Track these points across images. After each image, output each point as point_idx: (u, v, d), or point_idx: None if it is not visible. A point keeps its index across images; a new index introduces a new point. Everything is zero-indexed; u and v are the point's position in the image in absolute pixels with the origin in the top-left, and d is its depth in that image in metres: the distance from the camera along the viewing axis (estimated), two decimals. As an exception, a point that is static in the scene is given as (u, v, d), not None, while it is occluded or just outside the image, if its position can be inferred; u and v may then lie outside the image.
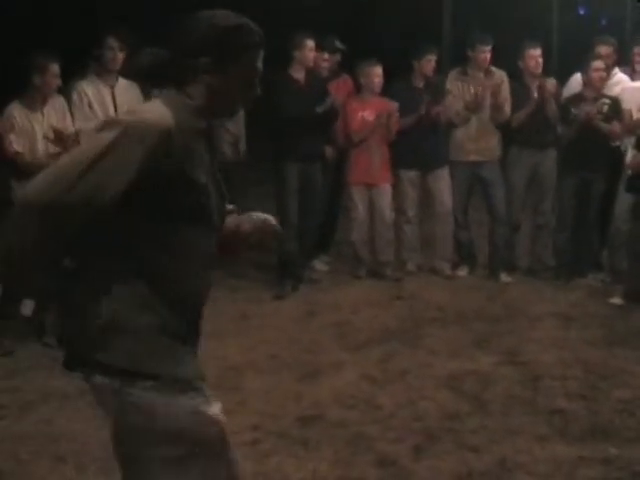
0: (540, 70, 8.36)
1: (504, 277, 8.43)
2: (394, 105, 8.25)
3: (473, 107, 8.30)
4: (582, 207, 8.20)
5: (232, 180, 6.96)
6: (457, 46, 8.65)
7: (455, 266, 8.63)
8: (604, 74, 8.06)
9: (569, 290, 7.93)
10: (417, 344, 6.63)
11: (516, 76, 8.50)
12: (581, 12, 9.73)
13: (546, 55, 8.66)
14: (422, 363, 6.19)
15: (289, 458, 4.76)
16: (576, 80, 8.47)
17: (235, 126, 8.36)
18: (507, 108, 8.37)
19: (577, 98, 8.18)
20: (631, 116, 7.93)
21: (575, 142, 8.03)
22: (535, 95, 8.24)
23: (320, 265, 8.73)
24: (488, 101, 8.34)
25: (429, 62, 8.35)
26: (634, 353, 6.37)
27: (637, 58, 8.26)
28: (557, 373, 5.98)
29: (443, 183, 8.47)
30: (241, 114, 8.24)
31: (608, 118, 7.96)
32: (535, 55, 8.34)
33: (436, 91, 8.36)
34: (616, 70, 8.34)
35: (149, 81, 2.97)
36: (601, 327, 6.97)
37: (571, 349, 6.45)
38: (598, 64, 8.07)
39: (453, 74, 8.56)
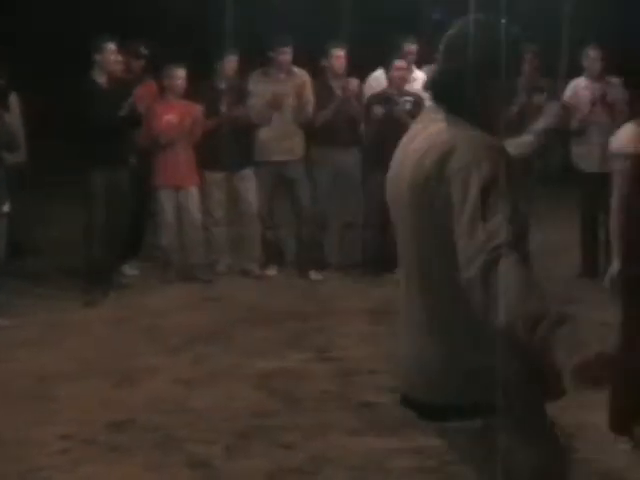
0: (343, 70, 8.47)
1: (314, 275, 8.49)
2: (198, 108, 8.21)
3: (274, 107, 8.33)
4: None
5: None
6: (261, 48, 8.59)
7: (264, 266, 8.62)
8: (405, 73, 8.24)
9: (378, 285, 8.05)
10: (228, 345, 6.60)
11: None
12: (436, 17, 9.89)
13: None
14: (233, 364, 6.17)
15: (100, 465, 4.69)
16: (375, 78, 8.63)
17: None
18: (309, 108, 8.44)
19: (380, 96, 8.32)
20: None
21: (377, 140, 8.16)
22: (339, 94, 8.34)
23: (130, 270, 8.57)
24: (290, 101, 8.38)
25: (230, 63, 8.33)
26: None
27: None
28: (367, 368, 6.06)
29: (249, 184, 8.47)
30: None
31: (413, 115, 8.12)
32: (339, 56, 8.43)
33: (239, 92, 8.35)
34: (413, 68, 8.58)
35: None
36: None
37: (381, 344, 6.54)
38: (400, 64, 8.24)
39: (255, 75, 8.55)
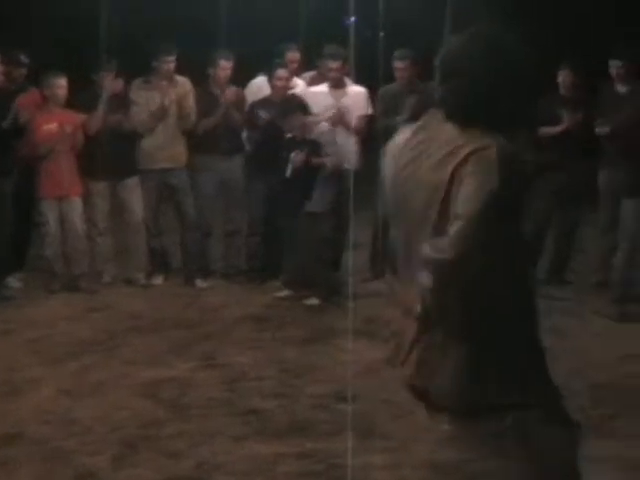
0: (227, 79, 8.54)
1: (199, 283, 8.53)
2: (79, 116, 8.17)
3: (159, 116, 8.35)
4: (271, 211, 8.41)
5: None
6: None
7: (150, 275, 8.62)
8: (287, 82, 8.35)
9: (262, 293, 8.13)
10: (114, 355, 6.59)
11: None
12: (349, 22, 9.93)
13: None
14: (119, 373, 6.17)
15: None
16: (256, 84, 8.73)
17: None
18: (192, 116, 8.48)
19: (264, 103, 8.42)
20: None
21: (261, 147, 8.27)
22: (222, 102, 8.42)
23: (14, 282, 8.43)
24: (173, 109, 8.41)
25: (107, 75, 8.29)
26: (325, 349, 6.64)
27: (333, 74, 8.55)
28: (253, 374, 6.14)
29: (133, 193, 8.46)
30: None
31: (293, 123, 8.22)
32: (225, 67, 8.49)
33: (120, 100, 8.36)
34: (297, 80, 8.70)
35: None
36: (295, 327, 7.21)
37: (266, 350, 6.63)
38: (282, 73, 8.34)
39: (136, 83, 8.53)
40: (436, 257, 2.66)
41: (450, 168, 2.73)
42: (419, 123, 3.01)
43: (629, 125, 7.73)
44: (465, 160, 2.71)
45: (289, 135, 8.04)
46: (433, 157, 2.81)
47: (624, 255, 7.80)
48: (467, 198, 2.66)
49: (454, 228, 2.63)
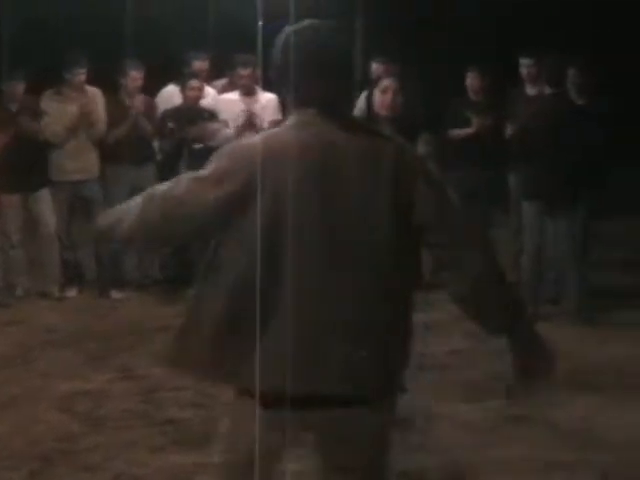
0: (138, 89, 8.51)
1: (114, 294, 8.48)
2: None
3: (72, 128, 8.29)
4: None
5: None
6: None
7: (64, 287, 8.54)
8: (199, 92, 8.36)
9: (177, 302, 8.10)
10: (29, 369, 6.52)
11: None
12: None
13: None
14: (35, 387, 6.11)
15: None
16: (167, 92, 8.72)
17: None
18: (102, 126, 8.44)
19: (174, 112, 8.41)
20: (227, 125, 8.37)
21: (172, 156, 8.27)
22: (132, 112, 8.39)
23: None
24: (84, 120, 8.35)
25: (16, 85, 8.20)
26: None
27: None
28: (170, 385, 6.11)
29: (45, 204, 8.37)
30: None
31: (202, 132, 8.22)
32: (135, 77, 8.46)
33: (32, 111, 8.26)
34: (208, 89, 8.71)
35: None
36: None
37: (183, 359, 6.61)
38: (194, 83, 8.35)
39: (47, 94, 8.45)
40: None
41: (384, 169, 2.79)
42: (292, 124, 2.88)
43: (531, 128, 7.83)
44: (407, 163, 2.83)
45: (198, 145, 8.03)
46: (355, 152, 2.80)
47: (528, 258, 7.96)
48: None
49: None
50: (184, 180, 2.88)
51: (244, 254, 2.77)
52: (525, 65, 8.50)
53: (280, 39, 2.88)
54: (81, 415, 5.61)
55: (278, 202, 2.72)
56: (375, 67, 8.63)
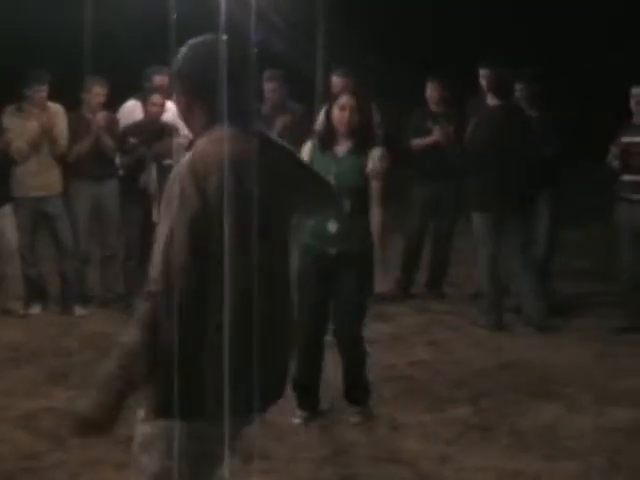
0: (100, 104, 8.48)
1: (78, 310, 8.44)
2: None
3: (34, 145, 8.24)
4: (148, 234, 8.38)
5: None
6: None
7: (27, 304, 8.47)
8: (161, 108, 8.33)
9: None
10: (-9, 387, 6.47)
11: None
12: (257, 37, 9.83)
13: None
14: (-3, 406, 6.06)
15: None
16: (127, 108, 8.69)
17: None
18: (63, 141, 8.39)
19: (135, 128, 8.39)
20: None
21: (134, 172, 8.25)
22: (94, 128, 8.36)
23: None
24: (46, 136, 8.30)
25: None
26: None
27: None
28: (133, 401, 6.05)
29: (7, 221, 8.29)
30: None
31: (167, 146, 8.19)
32: (98, 93, 8.44)
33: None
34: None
35: None
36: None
37: (146, 375, 6.58)
38: (156, 98, 8.33)
39: (9, 110, 8.38)
40: None
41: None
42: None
43: (477, 139, 7.93)
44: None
45: (167, 161, 7.98)
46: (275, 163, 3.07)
47: (483, 269, 8.03)
48: None
49: None
50: None
51: None
52: (483, 76, 8.56)
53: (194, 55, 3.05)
54: (44, 433, 5.56)
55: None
56: (335, 81, 8.65)
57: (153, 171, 8.05)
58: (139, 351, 2.89)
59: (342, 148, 5.63)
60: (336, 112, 5.63)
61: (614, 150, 7.81)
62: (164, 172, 7.90)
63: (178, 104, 3.12)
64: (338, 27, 14.12)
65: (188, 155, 2.91)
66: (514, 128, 7.84)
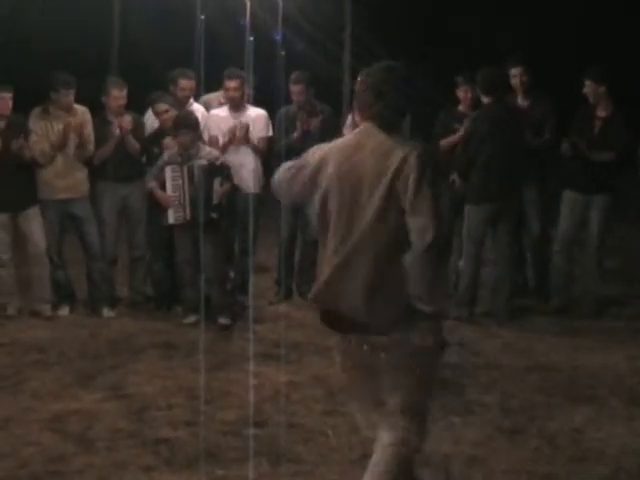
0: (122, 107, 8.49)
1: (106, 312, 8.45)
2: None
3: (58, 146, 8.26)
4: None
5: None
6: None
7: (55, 306, 8.50)
8: (171, 114, 8.29)
9: (168, 320, 8.08)
10: (19, 389, 6.46)
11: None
12: (276, 37, 9.85)
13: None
14: (25, 408, 6.05)
15: None
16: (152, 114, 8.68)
17: None
18: (90, 146, 8.42)
19: (155, 137, 8.41)
20: (217, 141, 8.35)
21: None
22: (117, 131, 8.37)
23: None
24: (72, 138, 8.32)
25: (2, 100, 8.15)
26: (235, 374, 6.62)
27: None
28: (162, 403, 6.08)
29: (34, 223, 8.32)
30: None
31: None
32: (117, 96, 8.44)
33: (21, 129, 8.23)
34: (191, 101, 8.67)
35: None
36: (203, 353, 7.16)
37: (175, 378, 6.58)
38: (161, 107, 8.33)
39: (35, 113, 8.39)
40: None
41: (389, 164, 3.86)
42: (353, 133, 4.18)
43: (472, 136, 8.13)
44: (405, 160, 3.83)
45: (204, 161, 7.95)
46: (371, 156, 3.94)
47: (468, 262, 8.25)
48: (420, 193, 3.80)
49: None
50: None
51: None
52: (513, 75, 8.55)
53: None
54: (72, 435, 5.55)
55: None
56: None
57: (169, 172, 7.99)
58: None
59: None
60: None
61: None
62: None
63: None
64: (363, 28, 14.14)
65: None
66: (506, 124, 8.02)
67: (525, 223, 8.67)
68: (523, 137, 8.19)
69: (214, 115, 8.72)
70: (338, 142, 4.18)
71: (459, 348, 7.33)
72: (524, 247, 8.87)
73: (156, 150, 8.25)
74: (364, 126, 4.06)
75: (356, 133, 4.12)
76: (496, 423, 5.74)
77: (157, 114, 8.34)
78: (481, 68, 8.21)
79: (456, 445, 5.39)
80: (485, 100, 8.16)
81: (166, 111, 8.31)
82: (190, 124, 7.99)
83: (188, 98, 8.65)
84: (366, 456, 5.20)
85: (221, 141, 8.49)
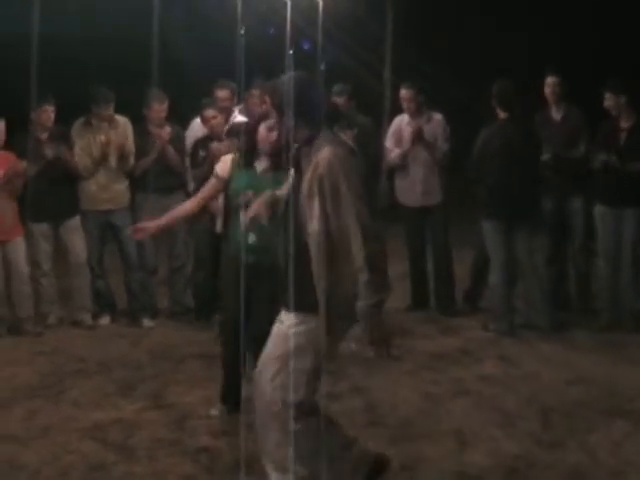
0: (162, 119, 8.56)
1: (146, 322, 8.51)
2: (15, 158, 8.06)
3: (100, 161, 8.36)
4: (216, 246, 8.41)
5: None
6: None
7: (96, 316, 8.58)
8: (219, 120, 8.33)
9: (209, 329, 8.11)
10: (60, 398, 6.52)
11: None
12: (305, 47, 9.87)
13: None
14: (66, 416, 6.11)
15: None
16: (197, 123, 8.71)
17: None
18: (132, 158, 8.52)
19: (204, 141, 8.43)
20: None
21: (204, 184, 8.25)
22: (157, 143, 8.45)
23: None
24: (114, 150, 8.41)
25: (45, 112, 8.27)
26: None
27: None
28: (202, 412, 6.11)
29: (75, 234, 8.42)
30: None
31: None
32: (158, 109, 8.52)
33: (63, 140, 8.32)
34: (236, 112, 8.67)
35: None
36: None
37: (215, 388, 6.59)
38: (209, 113, 8.33)
39: (78, 124, 8.51)
40: None
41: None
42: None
43: (486, 152, 8.13)
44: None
45: None
46: None
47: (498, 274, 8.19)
48: None
49: None
50: None
51: None
52: (548, 84, 8.53)
53: None
54: (112, 444, 5.60)
55: None
56: (403, 93, 8.75)
57: None
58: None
59: None
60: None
61: None
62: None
63: None
64: (402, 39, 14.15)
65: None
66: (520, 139, 7.96)
67: (569, 235, 8.60)
68: (537, 156, 8.10)
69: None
70: None
71: (498, 361, 7.33)
72: (567, 260, 8.79)
73: (201, 154, 8.28)
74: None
75: None
76: (535, 436, 5.71)
77: (205, 120, 8.37)
78: (498, 81, 8.15)
79: (495, 458, 5.37)
80: (501, 115, 8.08)
81: (214, 117, 8.35)
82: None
83: (228, 108, 8.64)
84: (403, 468, 5.21)
85: None
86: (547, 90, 8.54)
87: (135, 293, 8.64)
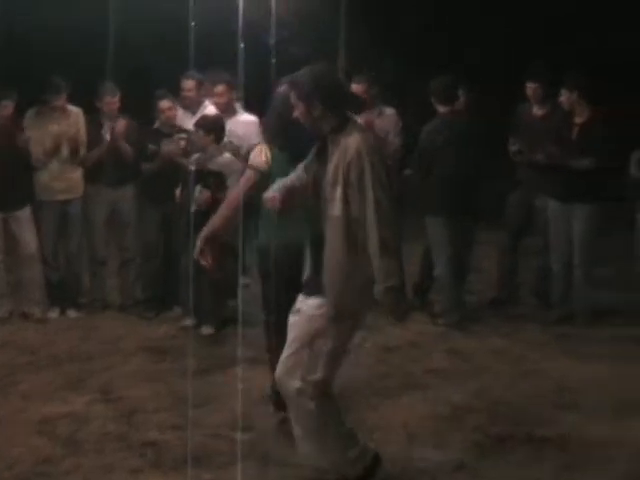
0: (115, 112, 8.50)
1: (72, 313, 8.51)
2: None
3: (51, 153, 8.29)
4: (167, 239, 8.40)
5: None
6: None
7: (46, 308, 8.50)
8: (171, 112, 8.29)
9: (159, 323, 8.08)
10: (10, 391, 6.48)
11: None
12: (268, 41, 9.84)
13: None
14: (15, 410, 6.07)
15: None
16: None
17: None
18: (82, 149, 8.45)
19: (153, 134, 8.39)
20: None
21: (156, 176, 8.23)
22: (107, 135, 8.39)
23: None
24: (67, 140, 8.34)
25: (6, 108, 8.18)
26: (223, 378, 6.64)
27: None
28: (150, 406, 6.09)
29: (26, 225, 8.32)
30: None
31: (186, 152, 8.14)
32: (111, 102, 8.45)
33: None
34: (206, 103, 8.57)
35: None
36: (192, 357, 7.14)
37: (163, 381, 6.58)
38: (164, 104, 8.29)
39: (30, 114, 8.39)
40: None
41: None
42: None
43: (428, 146, 8.14)
44: None
45: (192, 167, 7.86)
46: None
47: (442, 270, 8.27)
48: None
49: None
50: None
51: None
52: (529, 88, 8.59)
53: None
54: (60, 438, 5.56)
55: None
56: (355, 88, 8.61)
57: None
58: None
59: None
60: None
61: None
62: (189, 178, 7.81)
63: None
64: (355, 31, 14.11)
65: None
66: (462, 133, 8.04)
67: (528, 230, 8.69)
68: (480, 150, 8.14)
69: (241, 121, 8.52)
70: None
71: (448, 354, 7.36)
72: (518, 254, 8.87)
73: (151, 147, 8.23)
74: None
75: None
76: (484, 430, 5.74)
77: (160, 111, 8.32)
78: (435, 77, 8.19)
79: (444, 452, 5.39)
80: (441, 110, 8.12)
81: (169, 108, 8.31)
82: (211, 126, 7.89)
83: (192, 99, 8.57)
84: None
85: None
86: (528, 92, 8.62)
87: (66, 283, 8.59)
